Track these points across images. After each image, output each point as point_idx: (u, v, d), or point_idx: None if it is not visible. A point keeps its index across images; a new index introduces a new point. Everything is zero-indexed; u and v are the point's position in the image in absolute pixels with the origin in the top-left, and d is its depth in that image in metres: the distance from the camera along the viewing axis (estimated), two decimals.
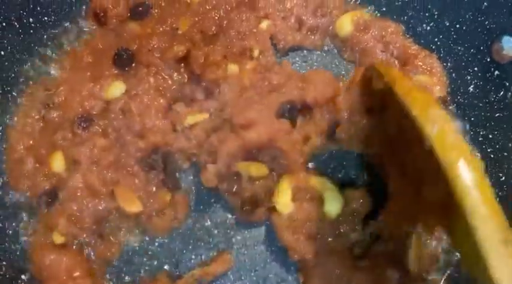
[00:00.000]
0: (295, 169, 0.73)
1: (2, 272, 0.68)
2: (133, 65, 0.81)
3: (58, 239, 0.71)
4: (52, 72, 0.82)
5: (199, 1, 0.86)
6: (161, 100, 0.78)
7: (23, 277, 0.68)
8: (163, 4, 0.87)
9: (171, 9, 0.86)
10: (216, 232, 0.77)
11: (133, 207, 0.73)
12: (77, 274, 0.69)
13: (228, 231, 0.77)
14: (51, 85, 0.81)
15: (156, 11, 0.86)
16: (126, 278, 0.74)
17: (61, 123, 0.78)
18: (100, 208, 0.73)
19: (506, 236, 0.53)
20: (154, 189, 0.76)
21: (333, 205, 0.72)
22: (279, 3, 0.88)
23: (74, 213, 0.72)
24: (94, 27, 0.87)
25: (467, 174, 0.53)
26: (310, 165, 0.79)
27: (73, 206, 0.72)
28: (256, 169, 0.72)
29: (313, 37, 0.89)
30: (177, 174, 0.78)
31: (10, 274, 0.68)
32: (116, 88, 0.79)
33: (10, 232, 0.73)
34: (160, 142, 0.76)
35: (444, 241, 0.59)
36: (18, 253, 0.71)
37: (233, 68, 0.81)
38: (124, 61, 0.81)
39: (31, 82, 0.81)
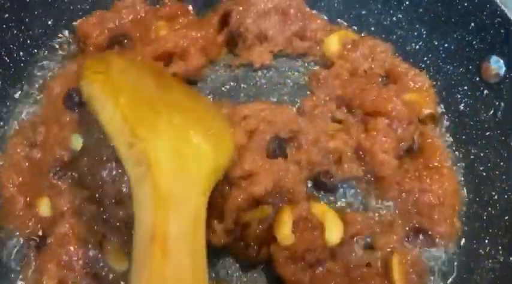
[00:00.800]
0: (298, 200, 0.73)
1: None
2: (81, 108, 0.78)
3: (50, 283, 0.70)
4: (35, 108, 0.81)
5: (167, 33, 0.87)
6: None
7: None
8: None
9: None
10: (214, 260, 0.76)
11: (121, 265, 0.71)
12: None
13: (227, 259, 0.76)
14: (36, 122, 0.79)
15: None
16: None
17: (43, 166, 0.76)
18: (90, 255, 0.71)
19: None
20: None
21: (334, 233, 0.72)
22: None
23: (63, 258, 0.70)
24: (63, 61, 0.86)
25: None
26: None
27: (62, 252, 0.70)
28: (263, 212, 0.71)
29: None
30: None
31: None
32: (75, 142, 0.77)
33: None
34: None
35: None
36: None
37: None
38: (73, 102, 0.79)
39: (18, 116, 0.80)
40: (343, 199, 0.79)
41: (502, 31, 0.75)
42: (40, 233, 0.73)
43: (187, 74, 0.85)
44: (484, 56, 0.79)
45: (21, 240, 0.73)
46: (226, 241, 0.70)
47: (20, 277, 0.72)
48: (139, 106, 0.64)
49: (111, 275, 0.72)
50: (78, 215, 0.72)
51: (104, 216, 0.72)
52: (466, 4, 0.79)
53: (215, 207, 0.71)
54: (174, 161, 0.60)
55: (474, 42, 0.80)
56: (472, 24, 0.80)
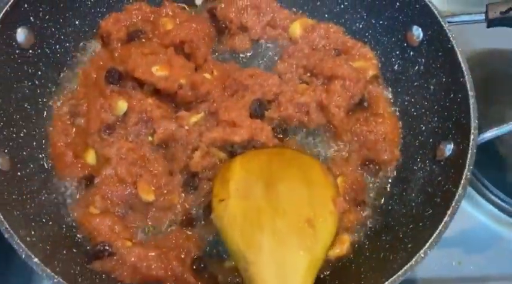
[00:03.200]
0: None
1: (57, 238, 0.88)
2: (121, 81, 1.00)
3: (95, 211, 0.91)
4: (75, 86, 1.04)
5: (173, 27, 1.08)
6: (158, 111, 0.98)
7: (78, 235, 0.90)
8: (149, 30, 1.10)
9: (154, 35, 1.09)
10: None
11: (148, 196, 0.93)
12: (117, 230, 0.89)
13: None
14: (76, 98, 1.02)
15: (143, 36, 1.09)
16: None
17: (88, 128, 0.98)
18: (126, 193, 0.93)
19: None
20: (168, 189, 0.95)
21: None
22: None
23: (106, 193, 0.92)
24: (97, 49, 1.09)
25: None
26: None
27: (106, 189, 0.92)
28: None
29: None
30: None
31: (66, 234, 0.89)
32: (121, 106, 0.97)
33: (61, 211, 0.93)
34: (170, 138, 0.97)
35: None
36: (70, 223, 0.91)
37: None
38: (114, 77, 0.99)
39: (61, 95, 1.02)
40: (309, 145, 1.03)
41: (417, 6, 0.99)
42: (89, 175, 0.94)
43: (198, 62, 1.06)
44: (407, 27, 1.02)
45: (72, 182, 0.95)
46: (205, 166, 0.93)
47: (70, 212, 0.92)
48: (249, 228, 0.75)
49: (141, 206, 0.95)
50: (121, 160, 0.93)
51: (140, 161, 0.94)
52: None
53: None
54: (277, 273, 0.69)
55: (400, 17, 1.03)
56: (397, 3, 1.03)
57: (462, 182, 0.82)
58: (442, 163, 0.92)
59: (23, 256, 0.71)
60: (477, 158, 0.84)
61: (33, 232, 0.78)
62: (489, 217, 1.11)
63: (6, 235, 0.71)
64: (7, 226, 0.72)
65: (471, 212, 1.11)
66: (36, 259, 0.71)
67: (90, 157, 0.96)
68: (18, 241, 0.71)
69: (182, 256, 0.90)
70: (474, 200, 1.12)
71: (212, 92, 1.02)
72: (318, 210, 0.80)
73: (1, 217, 0.73)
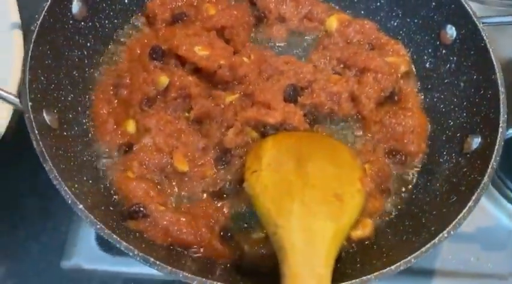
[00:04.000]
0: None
1: (96, 196, 0.91)
2: (164, 58, 1.04)
3: (131, 176, 0.95)
4: (120, 60, 1.10)
5: (215, 12, 1.13)
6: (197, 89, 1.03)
7: (115, 197, 0.94)
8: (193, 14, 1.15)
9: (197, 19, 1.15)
10: None
11: (183, 167, 0.97)
12: (152, 194, 0.93)
13: None
14: (120, 71, 1.08)
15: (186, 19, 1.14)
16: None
17: (130, 100, 1.03)
18: (162, 161, 0.97)
19: None
20: (201, 162, 0.99)
21: None
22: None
23: (143, 160, 0.96)
24: (143, 27, 1.15)
25: None
26: None
27: (143, 156, 0.96)
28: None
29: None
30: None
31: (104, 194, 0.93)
32: (163, 81, 1.01)
33: (100, 173, 0.97)
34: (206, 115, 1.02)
35: None
36: (108, 185, 0.96)
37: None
38: (158, 54, 1.05)
39: (107, 67, 1.08)
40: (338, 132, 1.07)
41: (453, 6, 1.03)
42: (128, 142, 0.99)
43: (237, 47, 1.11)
44: (441, 25, 1.06)
45: (112, 149, 0.99)
46: (238, 143, 0.97)
47: (109, 175, 0.97)
48: (279, 196, 0.78)
49: (175, 175, 0.99)
50: (160, 131, 0.97)
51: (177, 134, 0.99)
52: None
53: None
54: (305, 238, 0.71)
55: (435, 16, 1.07)
56: (433, 3, 1.07)
57: (488, 171, 0.85)
58: (468, 155, 0.95)
59: (69, 202, 0.75)
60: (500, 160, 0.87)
61: (76, 185, 0.83)
62: (510, 216, 1.13)
63: (55, 182, 0.76)
64: (56, 173, 0.77)
65: (492, 210, 1.13)
66: (81, 206, 0.76)
67: (130, 127, 1.01)
68: (65, 188, 0.76)
69: (211, 224, 0.94)
70: (495, 198, 1.14)
71: (249, 75, 1.06)
72: (346, 187, 0.83)
73: (51, 164, 0.77)
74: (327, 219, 0.75)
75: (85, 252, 1.00)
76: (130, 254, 0.73)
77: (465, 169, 0.93)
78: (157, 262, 0.73)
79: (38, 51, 0.89)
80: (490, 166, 0.85)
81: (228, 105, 1.03)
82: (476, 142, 0.94)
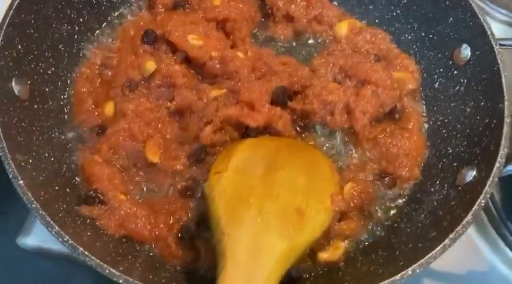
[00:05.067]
0: None
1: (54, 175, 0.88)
2: (156, 44, 1.00)
3: (98, 160, 0.92)
4: (111, 41, 1.06)
5: (220, 3, 1.08)
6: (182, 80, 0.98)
7: (76, 178, 0.91)
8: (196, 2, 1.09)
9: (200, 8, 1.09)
10: None
11: (153, 157, 0.92)
12: (115, 181, 0.89)
13: None
14: (110, 51, 1.05)
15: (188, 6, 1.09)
16: None
17: (113, 81, 1.00)
18: (133, 149, 0.93)
19: None
20: (174, 155, 0.94)
21: None
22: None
23: (114, 145, 0.92)
24: (142, 10, 1.10)
25: None
26: None
27: (115, 140, 0.92)
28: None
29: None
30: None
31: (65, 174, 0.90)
32: (149, 67, 0.97)
33: (67, 152, 0.94)
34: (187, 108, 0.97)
35: None
36: (72, 165, 0.92)
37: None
38: (150, 38, 1.01)
39: (97, 45, 1.05)
40: (327, 144, 0.99)
41: (471, 24, 0.94)
42: (102, 124, 0.95)
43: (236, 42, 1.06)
44: (456, 44, 0.97)
45: (85, 128, 0.96)
46: (214, 141, 0.92)
47: (75, 155, 0.93)
48: (236, 202, 0.73)
49: (144, 165, 0.94)
50: (136, 117, 0.93)
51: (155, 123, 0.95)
52: (447, 2, 0.98)
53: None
54: (250, 251, 0.66)
55: (451, 33, 0.99)
56: (451, 18, 0.98)
57: (474, 208, 0.75)
58: (459, 188, 0.86)
59: (10, 176, 0.72)
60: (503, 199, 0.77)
61: (30, 161, 0.79)
62: (506, 262, 1.02)
63: (0, 153, 0.72)
64: (4, 145, 0.74)
65: (488, 254, 1.02)
66: (21, 182, 0.72)
67: (108, 109, 0.98)
68: (10, 161, 0.73)
69: (171, 222, 0.89)
70: (492, 240, 1.03)
71: (240, 71, 1.00)
72: (312, 202, 0.77)
73: (1, 135, 0.74)
74: (280, 236, 0.70)
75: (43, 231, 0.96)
76: (59, 240, 0.69)
77: (453, 203, 0.83)
78: (86, 253, 0.68)
79: (19, 19, 0.87)
80: (477, 203, 0.76)
81: (212, 100, 0.97)
82: (470, 175, 0.84)
